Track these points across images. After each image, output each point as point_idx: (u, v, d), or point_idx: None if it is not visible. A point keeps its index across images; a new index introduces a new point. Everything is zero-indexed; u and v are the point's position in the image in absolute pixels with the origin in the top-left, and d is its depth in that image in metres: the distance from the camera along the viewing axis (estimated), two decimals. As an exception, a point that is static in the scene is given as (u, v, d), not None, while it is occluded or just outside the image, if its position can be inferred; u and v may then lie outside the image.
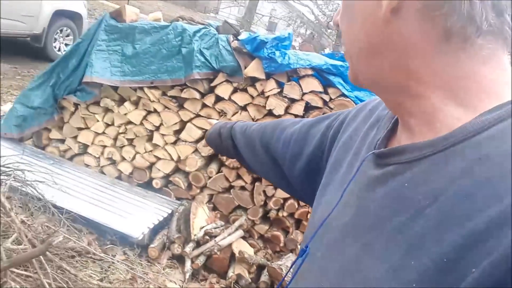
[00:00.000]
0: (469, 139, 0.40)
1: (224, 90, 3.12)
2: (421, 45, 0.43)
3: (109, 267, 2.74)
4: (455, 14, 0.40)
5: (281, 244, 3.33)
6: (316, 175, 0.71)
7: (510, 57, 0.44)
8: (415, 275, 0.37)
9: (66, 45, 7.28)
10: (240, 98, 3.13)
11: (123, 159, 3.41)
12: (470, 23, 0.40)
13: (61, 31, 7.10)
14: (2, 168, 2.42)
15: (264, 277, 2.98)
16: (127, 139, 3.38)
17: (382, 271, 0.40)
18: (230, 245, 3.05)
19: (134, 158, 3.37)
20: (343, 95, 3.03)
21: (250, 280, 2.96)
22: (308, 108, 3.09)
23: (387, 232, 0.42)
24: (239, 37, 3.13)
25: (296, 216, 3.29)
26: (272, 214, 3.30)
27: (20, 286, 2.01)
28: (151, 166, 3.39)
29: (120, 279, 2.69)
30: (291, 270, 0.61)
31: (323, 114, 3.05)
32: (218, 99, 3.17)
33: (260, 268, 3.10)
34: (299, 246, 3.15)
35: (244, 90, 3.13)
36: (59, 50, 7.16)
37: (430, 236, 0.37)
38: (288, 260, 3.03)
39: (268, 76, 3.06)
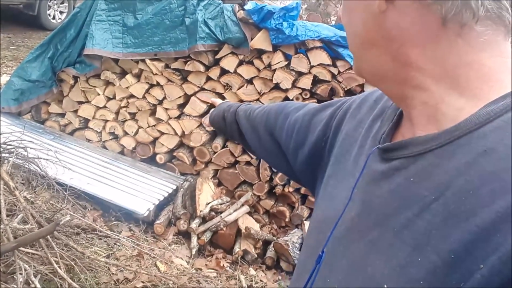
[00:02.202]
0: (474, 131, 0.39)
1: (229, 62, 3.02)
2: (418, 34, 0.43)
3: (115, 244, 2.72)
4: (450, 0, 0.40)
5: (287, 219, 3.31)
6: (318, 164, 0.70)
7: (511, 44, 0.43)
8: (422, 272, 0.36)
9: (61, 13, 7.07)
10: (246, 71, 3.03)
11: (126, 133, 3.33)
12: (465, 9, 0.40)
13: (55, -2, 6.87)
14: (4, 146, 2.35)
15: (270, 252, 2.98)
16: (130, 113, 3.29)
17: (389, 268, 0.40)
18: (236, 221, 3.02)
19: (137, 132, 3.30)
20: (351, 68, 2.94)
21: (256, 255, 2.95)
22: (316, 81, 3.01)
23: (393, 228, 0.42)
24: (245, 7, 3.00)
25: (302, 191, 3.26)
26: (278, 189, 3.27)
27: (28, 264, 1.98)
28: (154, 141, 3.32)
29: (126, 255, 2.67)
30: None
31: (331, 88, 2.99)
32: (223, 72, 3.07)
33: (266, 243, 3.10)
34: (304, 223, 3.14)
35: (250, 62, 3.03)
36: (53, 18, 6.96)
37: (437, 232, 0.37)
38: (294, 235, 3.02)
39: (275, 48, 2.96)
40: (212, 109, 1.20)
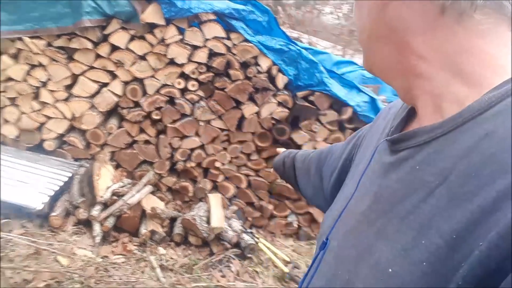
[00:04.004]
0: (476, 117, 0.40)
1: (119, 38, 2.83)
2: (418, 23, 0.44)
3: (6, 244, 2.47)
4: None
5: (190, 194, 3.33)
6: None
7: None
8: (426, 254, 0.37)
9: None
10: (139, 47, 2.88)
11: (6, 121, 2.96)
12: None
13: None
14: None
15: (178, 229, 2.98)
16: (9, 98, 2.93)
17: (394, 253, 0.41)
18: (139, 202, 2.95)
19: (19, 119, 2.96)
20: (245, 40, 2.97)
21: (164, 234, 2.94)
22: (212, 55, 2.99)
23: (400, 214, 0.43)
24: (132, -22, 2.81)
25: (204, 165, 3.28)
26: (180, 165, 3.25)
27: None
28: (40, 126, 3.02)
29: (22, 255, 2.46)
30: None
31: (227, 61, 3.00)
32: (114, 48, 2.88)
33: (172, 220, 3.09)
34: (208, 196, 3.19)
35: (142, 37, 2.87)
36: None
37: (440, 215, 0.38)
38: (200, 209, 3.06)
39: (168, 22, 2.84)
40: (277, 156, 1.24)
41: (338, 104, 3.23)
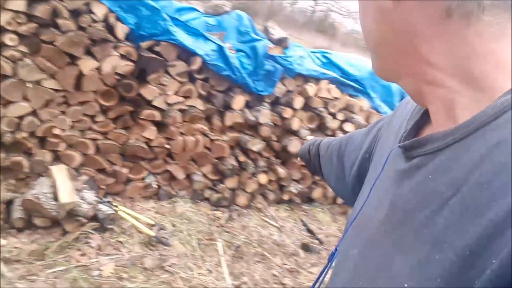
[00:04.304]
0: (490, 123, 0.38)
1: None
2: (426, 29, 0.43)
3: None
4: None
5: (26, 170, 2.84)
6: (364, 179, 0.69)
7: None
8: (440, 270, 0.36)
9: None
10: None
11: None
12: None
13: None
14: None
15: (17, 212, 2.55)
16: None
17: (410, 267, 0.40)
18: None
19: None
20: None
21: (1, 221, 2.47)
22: (33, 1, 2.47)
23: (414, 227, 0.42)
24: None
25: (39, 134, 2.81)
26: (7, 138, 2.71)
27: None
28: None
29: None
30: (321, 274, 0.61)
31: (53, 9, 2.53)
32: None
33: (8, 204, 2.61)
34: (51, 168, 2.77)
35: None
36: None
37: (454, 229, 0.37)
38: (43, 186, 2.64)
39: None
40: (303, 145, 1.22)
41: (186, 54, 3.06)
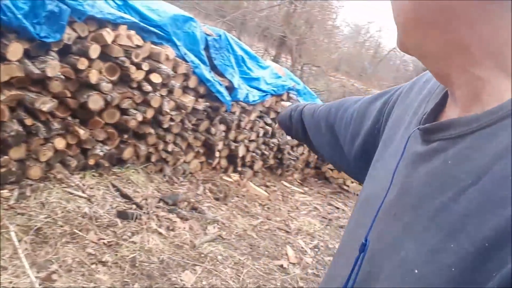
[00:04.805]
0: None
1: None
2: (467, 10, 0.41)
3: None
4: None
5: None
6: (372, 154, 0.67)
7: None
8: (454, 259, 0.36)
9: None
10: None
11: None
12: None
13: None
14: None
15: None
16: None
17: (422, 253, 0.39)
18: None
19: None
20: None
21: None
22: None
23: (428, 212, 0.41)
24: None
25: None
26: None
27: None
28: None
29: None
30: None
31: None
32: None
33: None
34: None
35: None
36: None
37: (472, 218, 0.36)
38: None
39: None
40: (282, 108, 1.24)
41: None
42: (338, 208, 5.32)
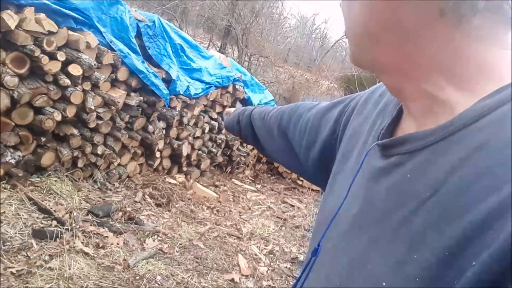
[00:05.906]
0: (468, 126, 0.38)
1: None
2: (416, 26, 0.41)
3: None
4: None
5: None
6: (329, 163, 0.69)
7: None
8: (418, 270, 0.36)
9: None
10: None
11: None
12: (464, 1, 0.38)
13: None
14: None
15: None
16: None
17: (387, 266, 0.39)
18: None
19: None
20: None
21: None
22: None
23: (392, 225, 0.41)
24: None
25: None
26: None
27: None
28: None
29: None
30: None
31: None
32: None
33: None
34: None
35: None
36: None
37: (432, 230, 0.36)
38: None
39: None
40: (227, 115, 1.22)
41: None
42: (293, 206, 5.00)
